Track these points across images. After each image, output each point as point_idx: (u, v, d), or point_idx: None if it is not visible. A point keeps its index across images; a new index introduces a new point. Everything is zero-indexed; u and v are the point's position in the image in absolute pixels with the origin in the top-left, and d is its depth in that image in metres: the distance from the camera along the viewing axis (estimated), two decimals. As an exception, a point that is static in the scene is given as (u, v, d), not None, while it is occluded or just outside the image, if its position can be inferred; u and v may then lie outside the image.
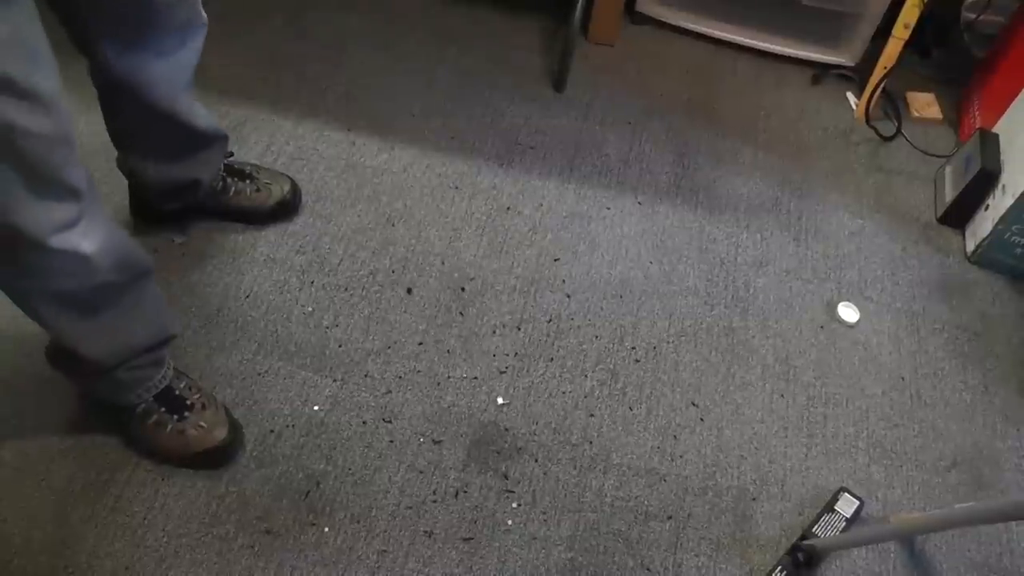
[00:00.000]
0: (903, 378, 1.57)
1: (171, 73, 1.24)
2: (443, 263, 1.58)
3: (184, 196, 1.46)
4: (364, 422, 1.36)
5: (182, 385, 1.27)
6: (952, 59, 2.16)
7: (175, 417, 1.24)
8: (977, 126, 1.89)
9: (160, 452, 1.26)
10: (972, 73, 2.09)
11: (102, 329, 1.10)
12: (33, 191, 0.90)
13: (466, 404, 1.40)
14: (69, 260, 0.97)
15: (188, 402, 1.26)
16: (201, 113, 1.34)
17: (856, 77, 2.09)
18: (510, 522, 1.29)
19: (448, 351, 1.46)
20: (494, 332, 1.50)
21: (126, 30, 1.15)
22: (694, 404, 1.47)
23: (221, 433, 1.26)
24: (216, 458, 1.27)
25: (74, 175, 0.94)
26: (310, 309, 1.48)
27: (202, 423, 1.25)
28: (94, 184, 0.99)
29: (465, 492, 1.31)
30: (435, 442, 1.35)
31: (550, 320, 1.53)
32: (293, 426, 1.34)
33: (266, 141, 1.71)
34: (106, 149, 1.37)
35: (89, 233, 0.98)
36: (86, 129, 1.57)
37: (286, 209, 1.58)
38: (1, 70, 0.80)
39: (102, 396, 1.23)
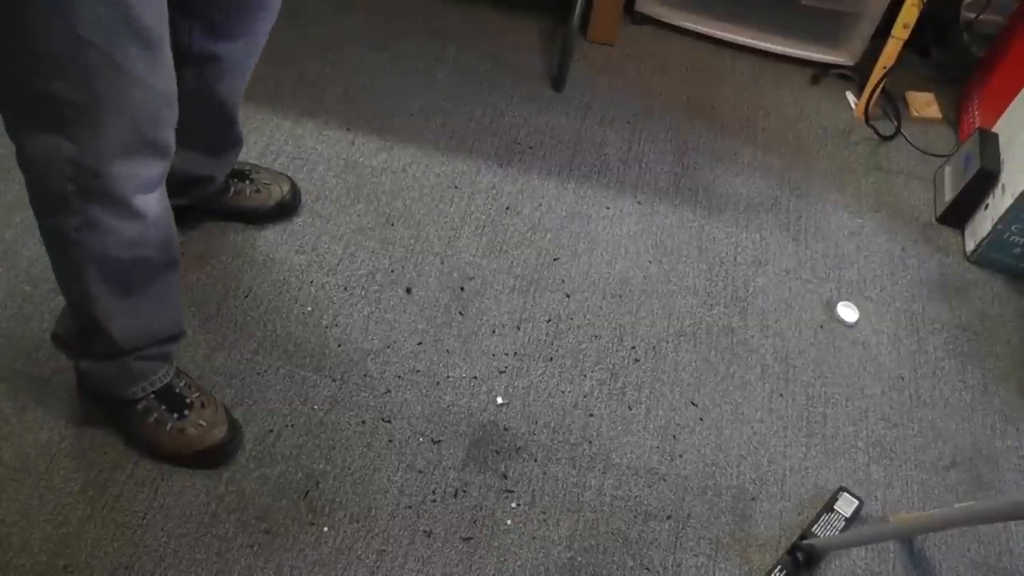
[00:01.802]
0: (902, 378, 1.57)
1: (242, 69, 1.27)
2: (442, 263, 1.58)
3: (192, 192, 1.45)
4: (363, 422, 1.36)
5: (182, 384, 1.27)
6: (951, 59, 2.16)
7: (175, 415, 1.24)
8: (976, 126, 1.90)
9: (159, 450, 1.26)
10: (971, 73, 2.09)
11: (132, 311, 1.11)
12: (131, 144, 0.91)
13: (465, 404, 1.40)
14: (136, 222, 0.99)
15: (188, 400, 1.26)
16: (239, 113, 1.36)
17: (855, 77, 2.09)
18: (509, 522, 1.29)
19: (447, 351, 1.46)
20: (493, 332, 1.50)
21: (223, 14, 1.16)
22: (693, 404, 1.47)
23: (220, 432, 1.26)
24: (215, 457, 1.27)
25: (171, 135, 0.96)
26: (309, 309, 1.48)
27: (202, 422, 1.25)
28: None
29: (464, 492, 1.31)
30: (434, 442, 1.35)
31: (549, 320, 1.53)
32: (292, 426, 1.34)
33: (265, 141, 1.71)
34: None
35: (160, 200, 1.01)
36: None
37: (285, 209, 1.58)
38: (142, 18, 0.82)
39: (105, 387, 1.23)
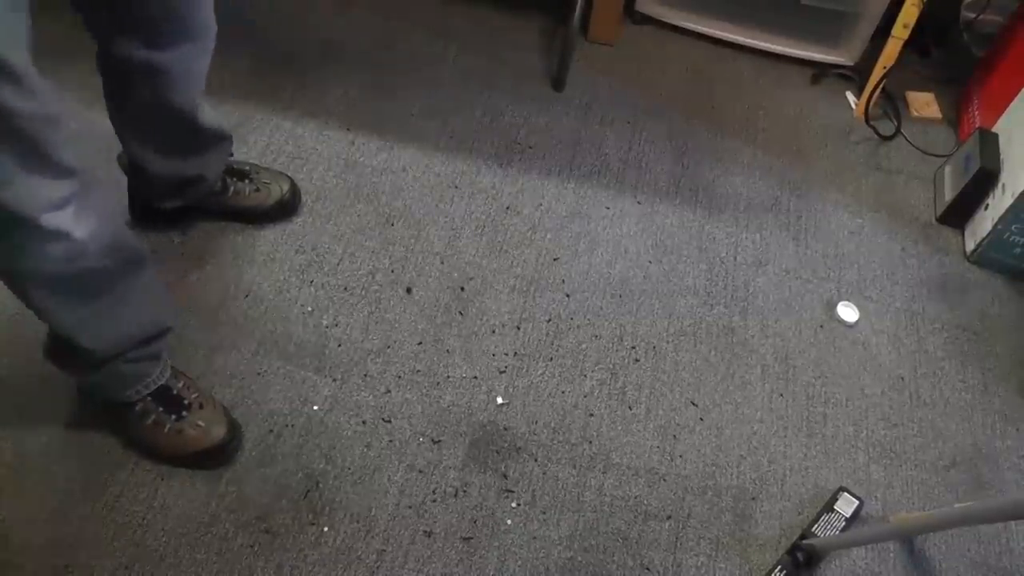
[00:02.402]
0: (903, 378, 1.57)
1: (188, 73, 1.25)
2: (442, 263, 1.58)
3: (186, 193, 1.46)
4: (363, 422, 1.36)
5: (180, 384, 1.27)
6: (951, 59, 2.16)
7: (173, 416, 1.24)
8: (976, 125, 1.89)
9: (159, 452, 1.26)
10: (971, 72, 2.09)
11: (94, 316, 1.11)
12: (25, 168, 0.91)
13: (465, 404, 1.40)
14: (59, 241, 0.98)
15: (186, 401, 1.26)
16: (208, 112, 1.35)
17: (856, 77, 2.09)
18: (509, 521, 1.29)
19: (448, 351, 1.46)
20: (493, 332, 1.50)
21: (149, 27, 1.16)
22: (693, 404, 1.47)
23: (220, 432, 1.26)
24: (214, 458, 1.27)
25: (66, 156, 0.95)
26: (309, 309, 1.48)
27: (200, 422, 1.25)
28: (91, 170, 0.99)
29: (464, 492, 1.31)
30: (434, 442, 1.35)
31: (549, 320, 1.53)
32: (292, 426, 1.34)
33: (265, 141, 1.71)
34: (108, 148, 1.38)
35: (81, 216, 0.99)
36: (83, 127, 1.57)
37: (285, 209, 1.58)
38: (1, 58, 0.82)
39: (100, 392, 1.23)
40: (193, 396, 1.27)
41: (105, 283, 1.08)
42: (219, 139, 1.42)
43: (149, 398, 1.24)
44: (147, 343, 1.19)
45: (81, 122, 1.56)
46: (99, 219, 1.02)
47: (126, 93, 1.27)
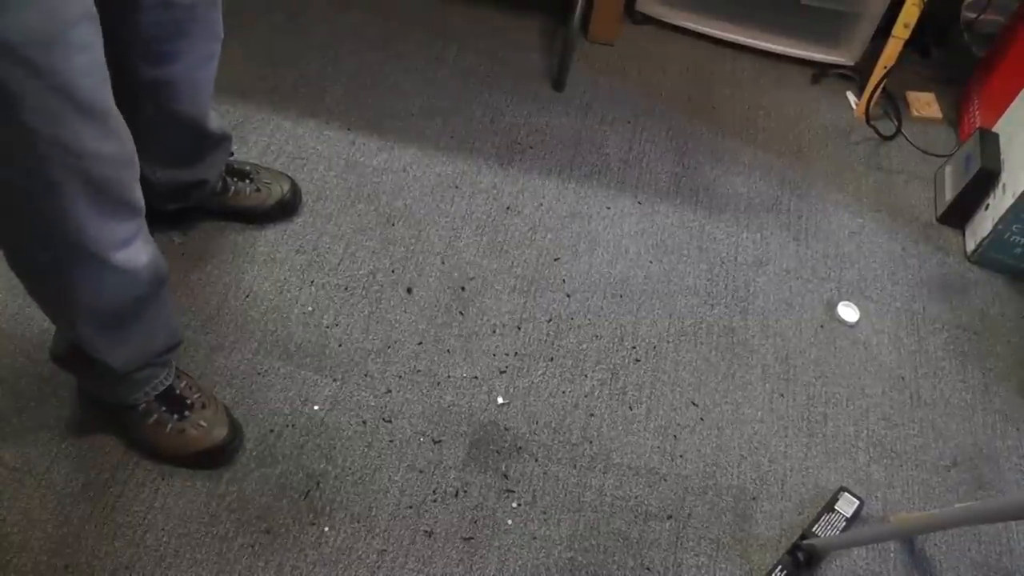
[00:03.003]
0: (903, 377, 1.57)
1: (197, 83, 1.26)
2: (443, 262, 1.58)
3: (188, 197, 1.46)
4: (364, 422, 1.36)
5: (182, 384, 1.27)
6: (952, 59, 2.16)
7: (175, 416, 1.24)
8: (977, 125, 1.89)
9: (160, 451, 1.26)
10: (972, 72, 2.09)
11: (127, 340, 1.12)
12: (100, 210, 0.92)
13: (466, 404, 1.40)
14: (125, 276, 1.00)
15: (188, 401, 1.26)
16: (214, 117, 1.36)
17: (856, 76, 2.09)
18: (510, 521, 1.29)
19: (448, 351, 1.46)
20: (494, 332, 1.50)
21: (159, 43, 1.16)
22: (694, 404, 1.47)
23: (221, 432, 1.26)
24: (216, 457, 1.27)
25: (136, 194, 0.97)
26: (310, 309, 1.48)
27: (202, 422, 1.25)
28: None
29: (465, 492, 1.31)
30: (435, 442, 1.35)
31: (550, 320, 1.53)
32: (293, 426, 1.34)
33: (266, 141, 1.71)
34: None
35: (142, 248, 1.02)
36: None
37: (286, 209, 1.58)
38: (88, 95, 0.83)
39: (109, 397, 1.23)
40: (195, 396, 1.27)
41: (142, 308, 1.10)
42: (221, 141, 1.42)
43: (153, 399, 1.24)
44: (163, 354, 1.21)
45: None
46: (151, 246, 1.05)
47: (132, 106, 1.27)
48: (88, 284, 1.00)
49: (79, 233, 0.92)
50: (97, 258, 0.96)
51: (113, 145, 0.90)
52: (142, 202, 0.99)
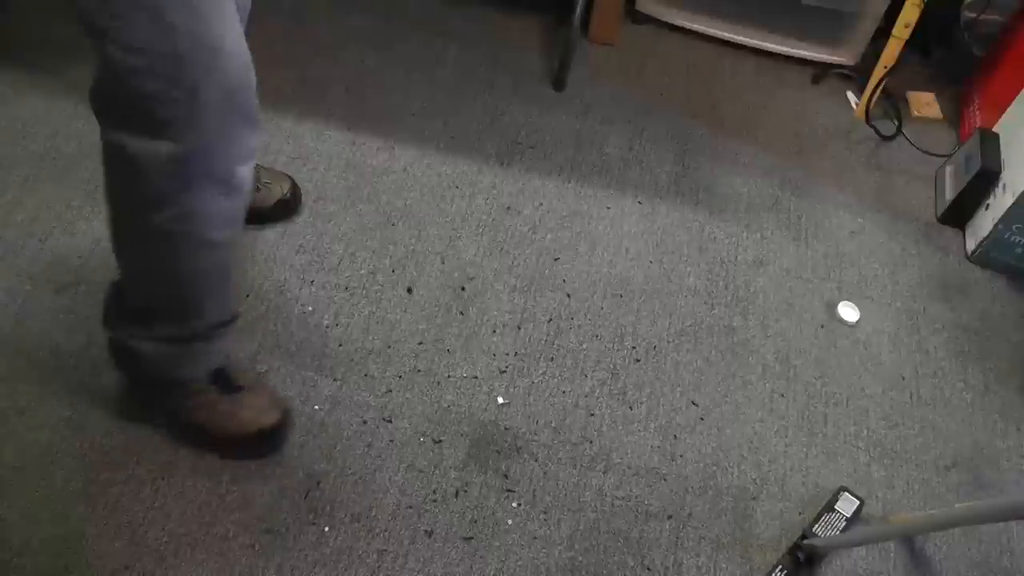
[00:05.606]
0: (903, 377, 1.57)
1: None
2: (443, 262, 1.58)
3: None
4: (364, 422, 1.36)
5: (232, 365, 1.25)
6: (952, 58, 2.16)
7: (226, 396, 1.22)
8: (977, 125, 1.90)
9: (210, 433, 1.24)
10: (972, 72, 2.09)
11: (221, 291, 1.12)
12: (232, 121, 0.92)
13: (466, 404, 1.40)
14: (235, 198, 0.99)
15: (239, 383, 1.24)
16: None
17: (856, 76, 2.09)
18: (510, 521, 1.29)
19: (448, 350, 1.46)
20: (494, 331, 1.50)
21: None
22: (694, 403, 1.47)
23: (275, 415, 1.25)
24: (268, 442, 1.26)
25: (257, 107, 0.96)
26: (310, 309, 1.48)
27: (255, 403, 1.24)
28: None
29: (465, 491, 1.31)
30: (435, 441, 1.35)
31: (550, 319, 1.53)
32: (293, 425, 1.34)
33: (266, 141, 1.71)
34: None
35: (250, 174, 1.00)
36: (84, 128, 1.57)
37: (286, 208, 1.58)
38: (217, 31, 0.85)
39: (158, 371, 1.20)
40: (247, 377, 1.25)
41: (233, 254, 1.09)
42: None
43: (206, 377, 1.21)
44: (231, 321, 1.18)
45: (81, 125, 1.56)
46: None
47: None
48: (203, 211, 0.97)
49: (209, 150, 0.92)
50: (221, 178, 0.94)
51: (241, 43, 0.89)
52: (260, 114, 0.97)
